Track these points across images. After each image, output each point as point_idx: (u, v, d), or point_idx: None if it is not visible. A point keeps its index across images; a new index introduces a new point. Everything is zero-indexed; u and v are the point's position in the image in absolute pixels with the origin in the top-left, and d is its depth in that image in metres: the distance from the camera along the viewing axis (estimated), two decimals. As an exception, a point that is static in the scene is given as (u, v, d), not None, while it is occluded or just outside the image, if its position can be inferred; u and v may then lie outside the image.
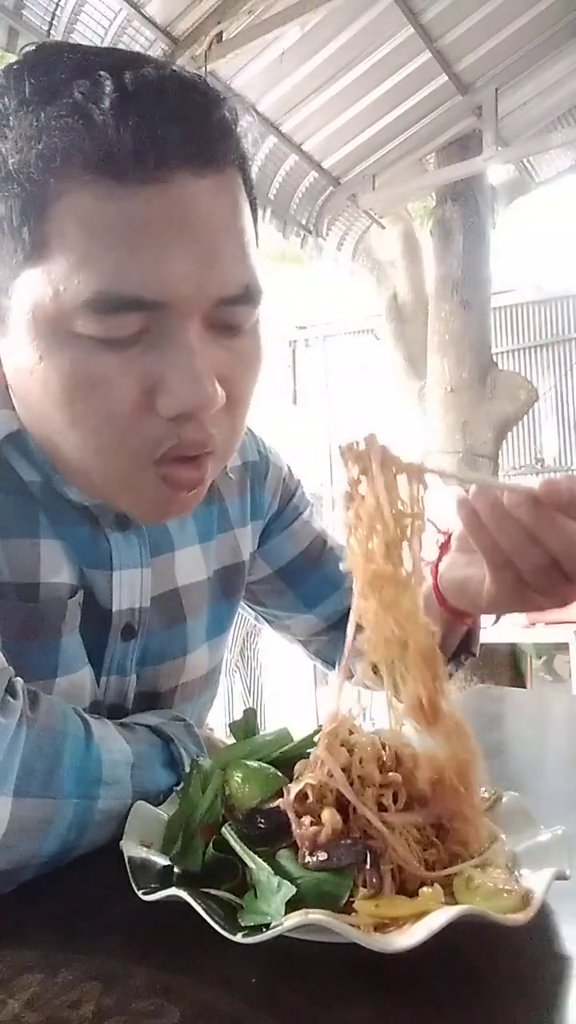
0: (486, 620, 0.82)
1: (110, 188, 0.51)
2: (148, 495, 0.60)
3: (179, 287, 0.53)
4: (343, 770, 0.47)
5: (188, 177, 0.53)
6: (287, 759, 0.55)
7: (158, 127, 0.51)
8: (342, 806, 0.47)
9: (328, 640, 1.00)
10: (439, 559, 0.76)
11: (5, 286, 0.55)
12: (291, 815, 0.47)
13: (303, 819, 0.46)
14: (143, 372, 0.54)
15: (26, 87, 0.52)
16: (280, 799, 0.49)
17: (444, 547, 0.76)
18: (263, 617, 1.01)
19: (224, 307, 0.56)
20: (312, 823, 0.46)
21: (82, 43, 0.60)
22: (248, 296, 0.57)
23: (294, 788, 0.48)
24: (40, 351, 0.55)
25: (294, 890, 0.42)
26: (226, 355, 0.57)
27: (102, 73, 0.51)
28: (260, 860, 0.46)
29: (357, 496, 0.50)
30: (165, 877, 0.48)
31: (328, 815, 0.45)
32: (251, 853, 0.46)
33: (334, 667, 1.02)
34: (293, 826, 0.46)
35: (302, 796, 0.47)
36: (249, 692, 4.12)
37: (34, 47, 0.55)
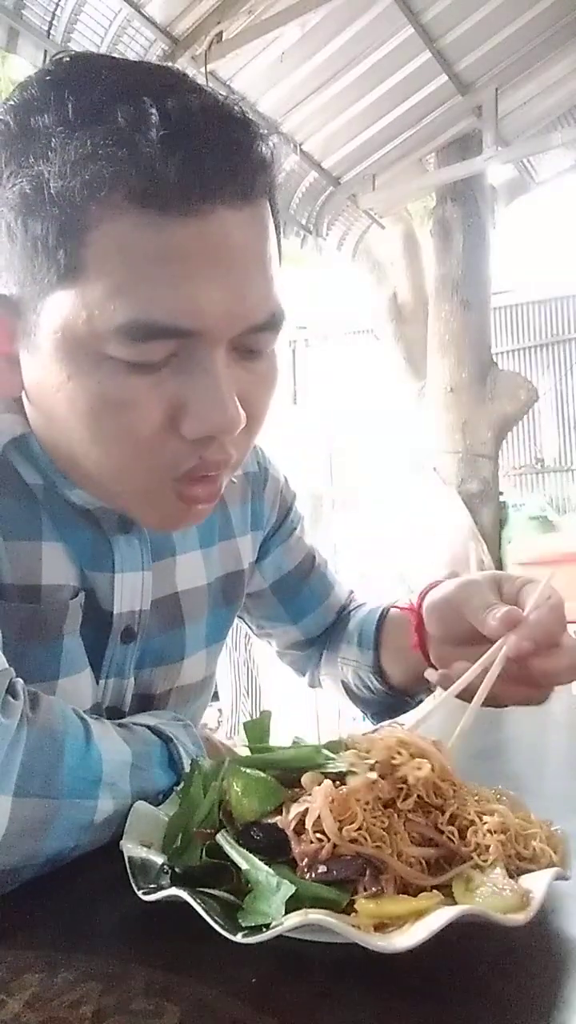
0: None
1: (152, 218, 0.51)
2: (163, 508, 0.62)
3: (212, 317, 0.54)
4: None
5: (227, 210, 0.54)
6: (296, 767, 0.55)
7: (204, 162, 0.52)
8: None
9: (304, 655, 1.02)
10: (422, 598, 0.79)
11: (33, 302, 0.56)
12: (290, 835, 0.46)
13: (303, 836, 0.46)
14: (169, 395, 0.56)
15: (68, 107, 0.52)
16: (279, 816, 0.49)
17: (431, 586, 0.79)
18: (246, 623, 1.02)
19: (250, 334, 0.57)
20: (312, 841, 0.45)
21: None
22: (273, 324, 0.58)
23: (295, 808, 0.48)
24: (68, 371, 0.55)
25: (293, 888, 0.42)
26: (247, 377, 0.59)
27: (145, 99, 0.51)
28: (257, 861, 0.45)
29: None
30: (165, 877, 0.47)
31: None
32: (247, 854, 0.46)
33: (304, 675, 1.04)
34: (293, 845, 0.46)
35: (301, 819, 0.47)
36: (247, 694, 4.12)
37: (69, 58, 0.55)
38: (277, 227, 0.61)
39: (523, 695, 0.68)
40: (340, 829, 0.45)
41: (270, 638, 1.03)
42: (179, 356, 0.55)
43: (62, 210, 0.52)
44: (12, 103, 0.55)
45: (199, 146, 0.52)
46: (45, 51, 2.64)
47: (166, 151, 0.51)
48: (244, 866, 0.45)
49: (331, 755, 0.53)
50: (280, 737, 0.60)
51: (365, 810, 0.46)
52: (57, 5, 2.61)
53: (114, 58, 0.57)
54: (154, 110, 0.51)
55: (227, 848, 0.47)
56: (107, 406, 0.56)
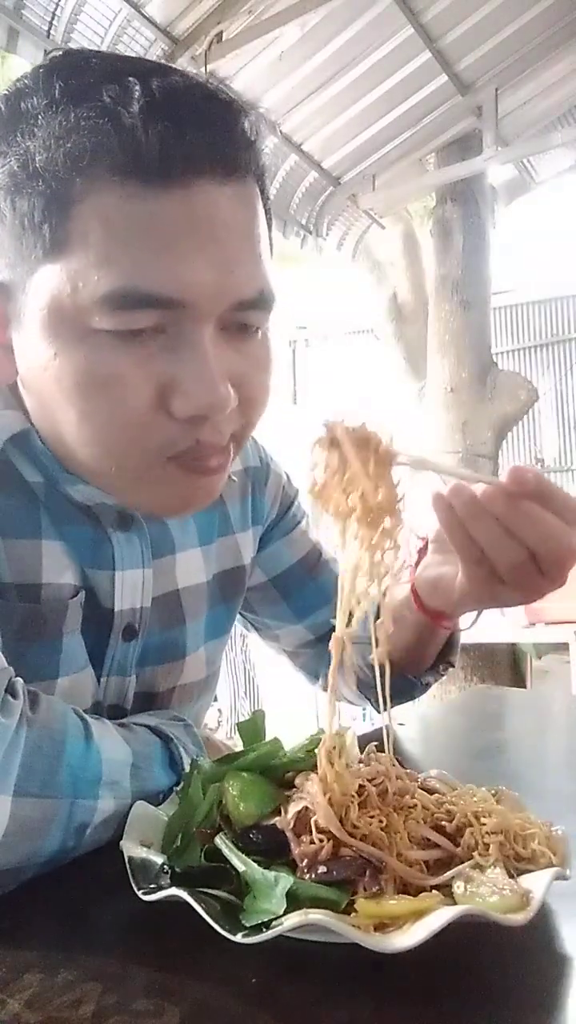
0: (465, 622, 0.82)
1: (135, 189, 0.52)
2: (161, 493, 0.61)
3: (197, 288, 0.54)
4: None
5: (211, 184, 0.54)
6: (286, 767, 0.55)
7: (185, 133, 0.52)
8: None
9: (314, 653, 1.00)
10: (417, 563, 0.77)
11: (22, 282, 0.56)
12: (290, 836, 0.46)
13: (302, 837, 0.46)
14: (157, 372, 0.55)
15: (55, 89, 0.53)
16: (277, 818, 0.49)
17: (422, 552, 0.77)
18: (253, 625, 1.01)
19: (239, 311, 0.57)
20: (311, 841, 0.45)
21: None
22: (262, 301, 0.58)
23: (292, 808, 0.48)
24: (55, 347, 0.55)
25: (291, 880, 0.42)
26: (238, 358, 0.58)
27: (130, 79, 0.52)
28: (253, 864, 0.45)
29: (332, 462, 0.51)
30: (165, 877, 0.47)
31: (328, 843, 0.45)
32: (244, 857, 0.46)
33: (317, 679, 1.02)
34: (292, 846, 0.46)
35: (299, 818, 0.47)
36: (245, 694, 4.11)
37: (61, 52, 0.57)
38: (268, 212, 0.61)
39: (518, 568, 0.63)
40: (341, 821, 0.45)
41: (277, 640, 1.01)
42: (167, 333, 0.55)
43: (47, 184, 0.52)
44: (5, 93, 0.56)
45: (181, 118, 0.52)
46: (45, 51, 2.64)
47: (148, 122, 0.51)
48: (242, 868, 0.45)
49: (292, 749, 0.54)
50: (278, 737, 0.60)
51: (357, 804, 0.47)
52: (57, 5, 2.61)
53: (105, 51, 0.58)
54: (138, 88, 0.52)
55: (225, 851, 0.47)
56: (93, 382, 0.55)
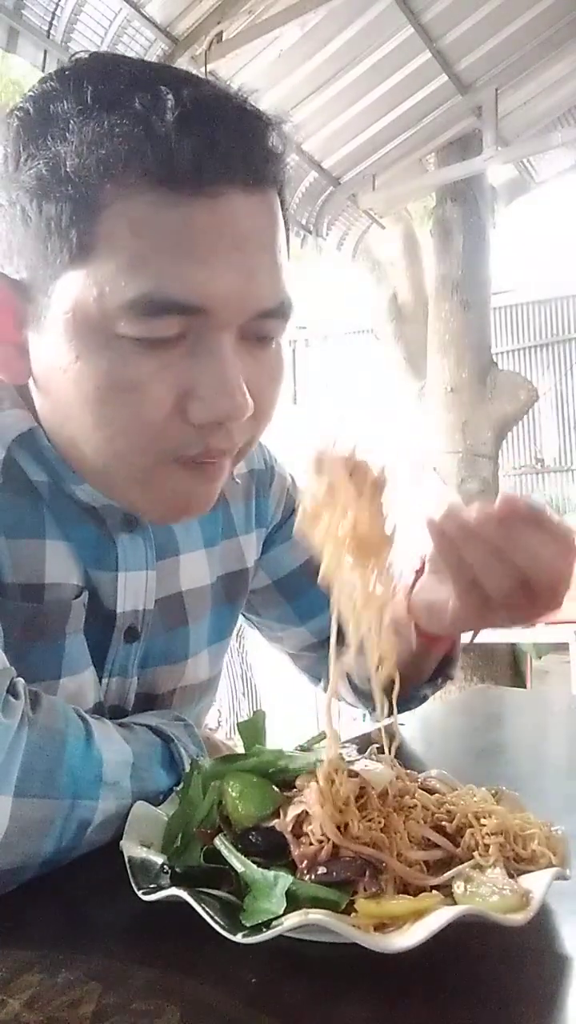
0: (464, 636, 0.83)
1: (165, 197, 0.53)
2: (166, 492, 0.62)
3: (222, 296, 0.54)
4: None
5: (238, 194, 0.55)
6: (286, 769, 0.55)
7: (217, 144, 0.53)
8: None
9: (316, 656, 1.00)
10: (413, 584, 0.78)
11: (45, 286, 0.56)
12: (289, 838, 0.46)
13: (302, 839, 0.46)
14: (177, 378, 0.56)
15: (87, 94, 0.53)
16: (277, 819, 0.48)
17: (419, 573, 0.78)
18: (256, 626, 1.01)
19: (259, 320, 0.58)
20: (311, 842, 0.45)
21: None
22: (282, 311, 0.59)
23: (292, 811, 0.48)
24: (77, 351, 0.56)
25: (291, 879, 0.42)
26: (255, 366, 0.59)
27: (162, 87, 0.53)
28: (252, 864, 0.45)
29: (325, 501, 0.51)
30: (165, 877, 0.47)
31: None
32: (243, 858, 0.46)
33: (319, 681, 1.01)
34: (292, 848, 0.46)
35: (298, 821, 0.47)
36: (244, 695, 4.11)
37: (87, 55, 0.58)
38: (286, 223, 0.62)
39: (509, 592, 0.64)
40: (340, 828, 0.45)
41: (280, 642, 1.01)
42: (188, 339, 0.55)
43: (77, 189, 0.53)
44: (32, 94, 0.57)
45: (213, 129, 0.53)
46: (45, 51, 2.64)
47: (181, 132, 0.52)
48: (240, 868, 0.45)
49: (294, 753, 0.54)
50: (279, 738, 0.60)
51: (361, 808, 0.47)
52: (57, 5, 2.61)
53: (130, 57, 0.59)
54: (170, 96, 0.53)
55: (224, 852, 0.47)
56: (114, 387, 0.56)
